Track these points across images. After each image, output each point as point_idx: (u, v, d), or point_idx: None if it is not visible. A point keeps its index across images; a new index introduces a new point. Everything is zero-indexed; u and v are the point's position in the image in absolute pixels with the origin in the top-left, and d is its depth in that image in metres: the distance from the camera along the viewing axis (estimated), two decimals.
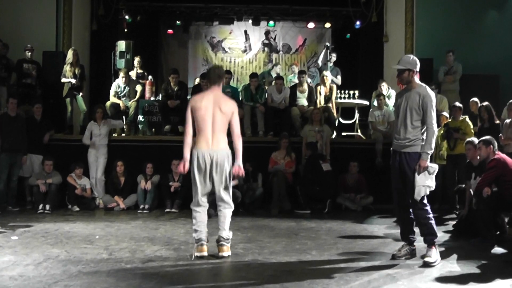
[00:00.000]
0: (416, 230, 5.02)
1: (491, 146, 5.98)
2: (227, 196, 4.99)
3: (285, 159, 8.80)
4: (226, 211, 5.00)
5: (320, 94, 10.06)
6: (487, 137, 6.15)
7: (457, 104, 8.40)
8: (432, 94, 4.82)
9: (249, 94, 9.95)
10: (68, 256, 4.88)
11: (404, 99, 4.89)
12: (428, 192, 4.80)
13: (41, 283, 3.96)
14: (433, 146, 4.78)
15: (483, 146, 6.03)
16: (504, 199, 5.79)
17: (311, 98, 10.17)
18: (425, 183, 4.75)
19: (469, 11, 11.30)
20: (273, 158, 8.80)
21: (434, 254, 4.77)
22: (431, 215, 4.86)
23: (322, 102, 9.99)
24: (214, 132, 4.93)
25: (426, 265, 4.68)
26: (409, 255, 4.96)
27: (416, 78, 4.93)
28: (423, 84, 4.95)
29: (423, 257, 4.84)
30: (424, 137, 4.78)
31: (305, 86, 10.23)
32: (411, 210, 4.92)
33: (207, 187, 4.97)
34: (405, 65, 4.86)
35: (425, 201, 4.84)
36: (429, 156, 4.75)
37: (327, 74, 10.30)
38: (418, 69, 4.90)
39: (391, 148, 5.06)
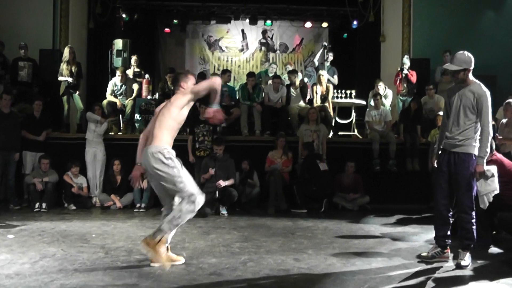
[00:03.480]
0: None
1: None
2: None
3: (282, 159, 8.80)
4: None
5: (316, 93, 10.07)
6: None
7: None
8: (487, 93, 4.66)
9: (246, 93, 9.93)
10: (65, 255, 4.86)
11: (457, 97, 4.75)
12: (491, 198, 4.67)
13: (37, 282, 3.94)
14: (488, 149, 4.61)
15: None
16: (501, 199, 5.79)
17: (304, 94, 10.15)
18: (487, 189, 4.66)
19: (466, 12, 11.35)
20: (269, 157, 8.80)
21: (468, 258, 4.66)
22: (474, 221, 4.70)
23: (319, 101, 9.99)
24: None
25: (459, 267, 4.57)
26: (440, 258, 4.82)
27: (470, 75, 4.76)
28: (477, 81, 4.77)
29: (456, 259, 4.73)
30: (477, 139, 4.65)
31: (297, 84, 10.22)
32: (451, 210, 4.82)
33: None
34: (461, 64, 4.69)
35: (473, 205, 4.69)
36: (484, 160, 4.60)
37: (324, 73, 10.30)
38: (472, 66, 4.72)
39: (441, 147, 4.91)
